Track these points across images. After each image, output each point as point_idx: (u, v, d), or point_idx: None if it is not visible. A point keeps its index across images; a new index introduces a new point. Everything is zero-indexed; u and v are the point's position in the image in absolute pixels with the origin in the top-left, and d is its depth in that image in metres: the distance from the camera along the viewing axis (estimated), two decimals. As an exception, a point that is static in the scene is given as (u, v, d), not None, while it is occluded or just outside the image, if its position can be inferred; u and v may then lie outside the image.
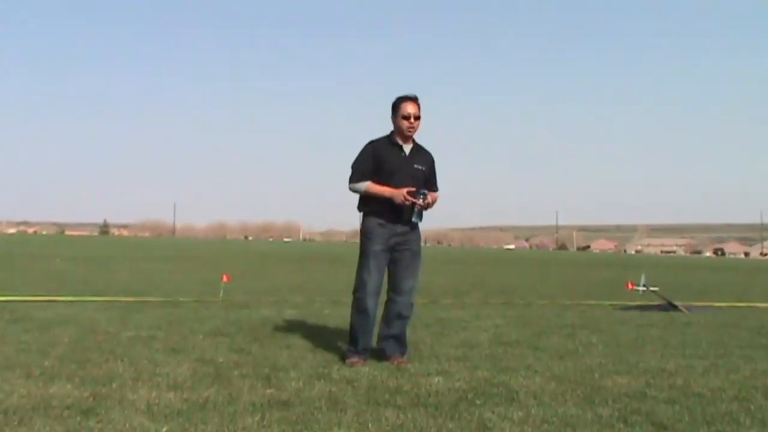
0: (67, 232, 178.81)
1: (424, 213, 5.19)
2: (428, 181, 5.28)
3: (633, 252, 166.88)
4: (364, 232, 5.19)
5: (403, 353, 5.18)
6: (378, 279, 5.12)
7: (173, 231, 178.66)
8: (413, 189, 5.04)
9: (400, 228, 5.14)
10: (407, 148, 5.21)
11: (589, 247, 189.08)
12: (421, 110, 5.18)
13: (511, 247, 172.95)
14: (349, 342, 5.21)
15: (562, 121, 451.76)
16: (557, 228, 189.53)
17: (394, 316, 5.19)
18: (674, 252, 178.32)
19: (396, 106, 5.16)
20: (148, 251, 34.83)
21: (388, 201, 5.06)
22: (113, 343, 5.57)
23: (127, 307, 8.19)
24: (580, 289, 14.50)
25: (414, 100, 5.15)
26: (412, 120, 5.11)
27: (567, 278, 19.94)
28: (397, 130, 5.19)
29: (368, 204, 5.18)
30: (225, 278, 9.90)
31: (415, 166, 5.18)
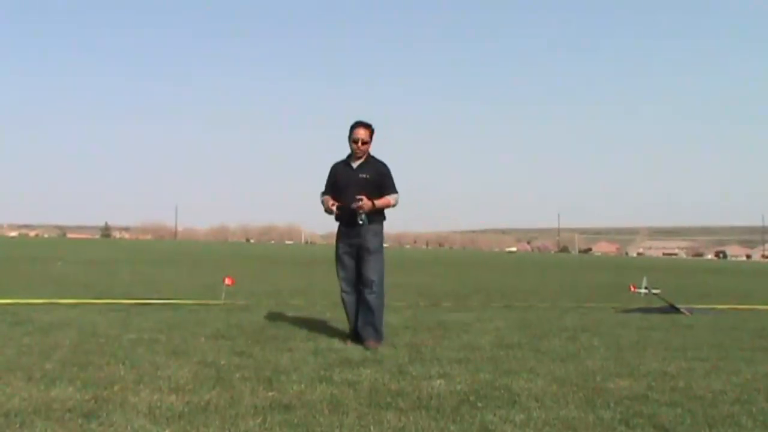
0: (69, 235, 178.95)
1: (385, 216, 6.15)
2: (380, 187, 6.08)
3: (635, 254, 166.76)
4: (335, 239, 6.28)
5: (377, 339, 5.97)
6: (347, 275, 6.18)
7: (175, 234, 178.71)
8: (337, 204, 6.06)
9: (354, 231, 6.07)
10: (356, 164, 6.13)
11: (590, 249, 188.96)
12: (374, 134, 6.11)
13: (513, 249, 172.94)
14: None
15: (564, 123, 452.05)
16: (559, 230, 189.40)
17: (365, 306, 6.04)
18: (676, 254, 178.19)
19: (350, 130, 6.08)
20: (150, 254, 34.85)
21: (342, 212, 6.08)
22: (114, 346, 5.57)
23: (128, 310, 8.20)
24: (582, 292, 14.49)
25: (363, 125, 6.07)
26: (359, 144, 6.04)
27: (568, 281, 19.93)
28: (351, 150, 6.12)
29: (335, 216, 6.21)
30: (227, 281, 9.90)
31: (360, 175, 6.06)
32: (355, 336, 6.11)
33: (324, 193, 6.27)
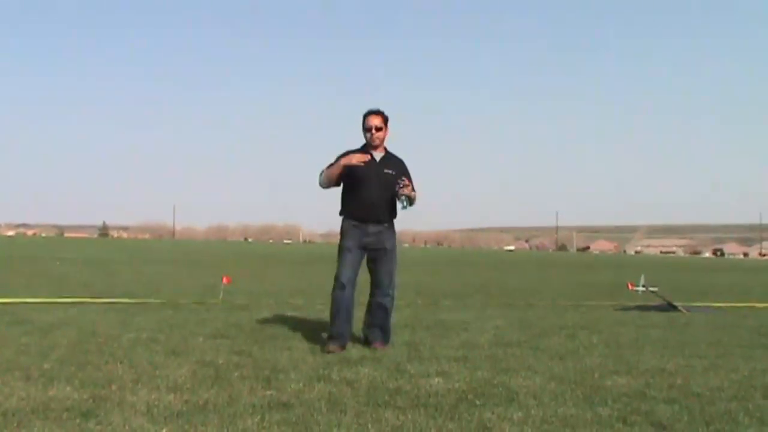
0: (67, 235, 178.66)
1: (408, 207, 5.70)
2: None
3: (633, 253, 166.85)
4: (341, 233, 5.83)
5: (385, 341, 5.79)
6: (350, 273, 5.70)
7: (173, 233, 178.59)
8: (366, 156, 5.60)
9: (371, 228, 5.72)
10: (378, 156, 5.76)
11: (588, 248, 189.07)
12: (388, 122, 5.78)
13: (512, 248, 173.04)
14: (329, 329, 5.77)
15: (562, 121, 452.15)
16: (557, 229, 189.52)
17: (376, 307, 5.83)
18: (674, 252, 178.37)
19: (363, 120, 5.76)
20: (148, 253, 34.83)
21: (360, 205, 5.69)
22: (113, 346, 5.57)
23: (127, 309, 8.20)
24: (580, 290, 14.50)
25: (376, 113, 5.75)
26: (373, 131, 5.70)
27: (567, 279, 19.94)
28: (366, 141, 5.79)
29: (344, 208, 5.84)
30: (225, 280, 9.89)
31: (385, 170, 5.71)
32: (339, 338, 5.61)
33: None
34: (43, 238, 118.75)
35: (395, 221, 5.94)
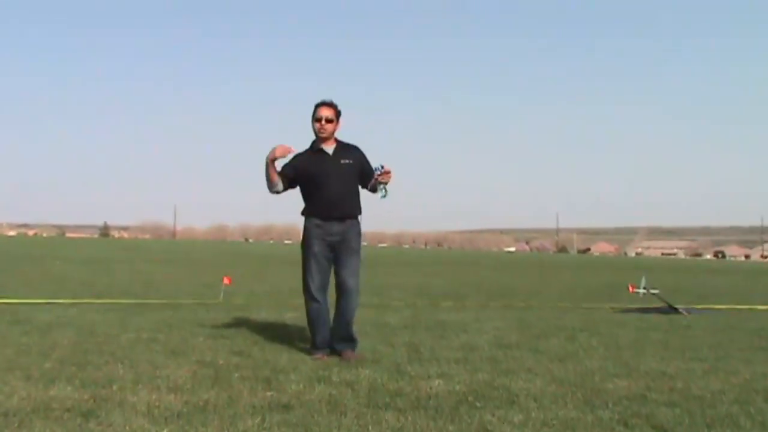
0: (68, 234, 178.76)
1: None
2: (363, 173, 5.53)
3: (633, 255, 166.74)
4: (304, 234, 5.53)
5: (353, 349, 5.43)
6: (320, 278, 5.44)
7: (173, 233, 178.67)
8: (288, 148, 5.36)
9: (335, 227, 5.42)
10: (330, 149, 5.52)
11: (589, 249, 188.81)
12: (340, 116, 5.53)
13: (512, 249, 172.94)
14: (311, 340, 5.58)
15: (562, 123, 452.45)
16: (557, 231, 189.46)
17: (339, 316, 5.45)
18: (675, 254, 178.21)
19: (313, 110, 5.51)
20: (149, 253, 34.83)
21: (322, 202, 5.41)
22: (113, 346, 5.57)
23: (127, 309, 8.20)
24: (581, 292, 14.50)
25: (327, 104, 5.50)
26: (322, 122, 5.44)
27: (567, 281, 19.94)
28: (314, 134, 5.53)
29: (306, 207, 5.55)
30: (226, 280, 9.90)
31: (342, 161, 5.47)
32: (322, 346, 5.44)
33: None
34: (44, 237, 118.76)
35: (361, 217, 5.61)
